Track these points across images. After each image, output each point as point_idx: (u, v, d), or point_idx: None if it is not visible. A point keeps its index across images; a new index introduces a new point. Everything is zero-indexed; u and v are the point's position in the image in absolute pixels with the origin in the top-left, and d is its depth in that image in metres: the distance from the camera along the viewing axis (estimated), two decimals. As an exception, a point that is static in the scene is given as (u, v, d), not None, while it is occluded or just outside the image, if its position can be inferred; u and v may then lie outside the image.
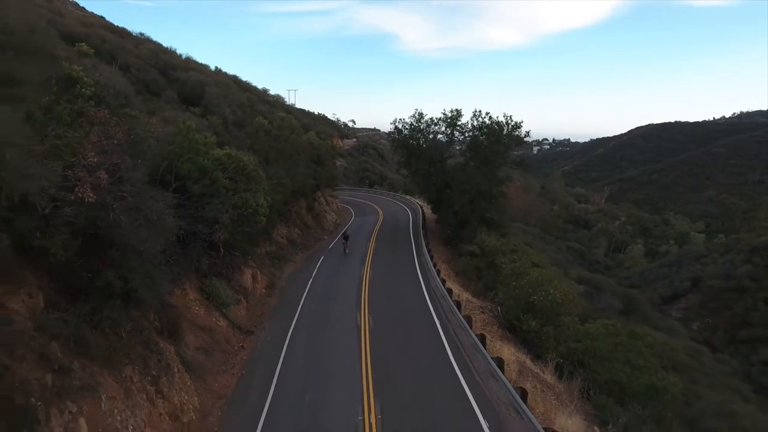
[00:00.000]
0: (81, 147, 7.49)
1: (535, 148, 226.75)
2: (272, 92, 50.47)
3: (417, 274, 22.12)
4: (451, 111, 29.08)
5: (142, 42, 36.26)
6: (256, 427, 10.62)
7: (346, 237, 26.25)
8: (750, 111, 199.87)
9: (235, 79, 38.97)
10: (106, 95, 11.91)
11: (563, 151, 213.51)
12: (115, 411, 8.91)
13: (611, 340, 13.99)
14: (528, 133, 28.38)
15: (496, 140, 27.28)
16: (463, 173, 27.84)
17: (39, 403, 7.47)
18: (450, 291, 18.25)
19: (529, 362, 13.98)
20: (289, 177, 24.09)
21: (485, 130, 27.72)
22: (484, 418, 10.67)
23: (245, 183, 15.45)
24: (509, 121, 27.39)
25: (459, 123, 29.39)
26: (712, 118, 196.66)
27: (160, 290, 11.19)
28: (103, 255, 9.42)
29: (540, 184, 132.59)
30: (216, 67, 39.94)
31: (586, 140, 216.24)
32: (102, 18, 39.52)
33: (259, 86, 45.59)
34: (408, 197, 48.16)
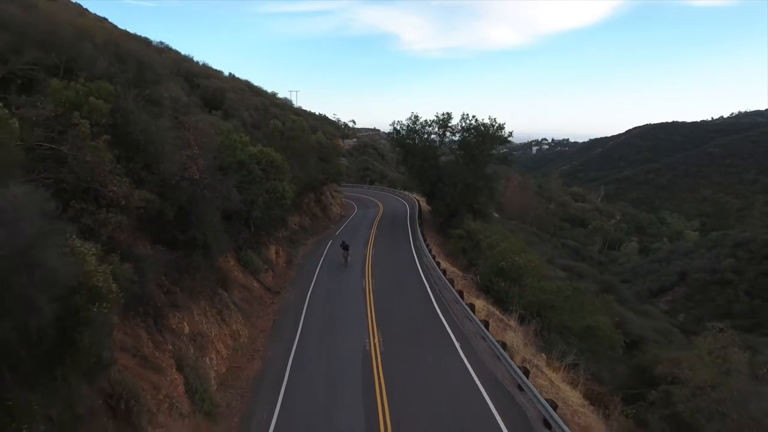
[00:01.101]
0: (188, 143, 11.87)
1: (534, 148, 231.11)
2: (272, 92, 54.80)
3: (412, 253, 26.56)
4: (443, 114, 33.80)
5: (164, 51, 40.59)
6: (291, 348, 14.95)
7: (345, 247, 23.75)
8: (748, 111, 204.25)
9: (248, 84, 43.35)
10: (177, 106, 16.27)
11: (562, 151, 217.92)
12: (202, 323, 13.30)
13: (561, 294, 18.33)
14: (510, 133, 32.86)
15: (482, 140, 31.78)
16: (453, 169, 32.38)
17: (164, 308, 11.86)
18: (438, 263, 22.65)
19: (497, 312, 18.36)
20: (302, 172, 28.44)
21: (473, 131, 32.24)
22: (457, 340, 15.06)
23: (274, 174, 19.82)
24: (494, 123, 31.96)
25: (450, 125, 34.02)
26: (710, 118, 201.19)
27: (222, 248, 15.55)
28: (187, 218, 13.75)
29: (538, 183, 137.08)
30: (230, 73, 44.28)
31: (585, 140, 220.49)
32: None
33: (257, 85, 49.76)
34: (406, 193, 52.59)
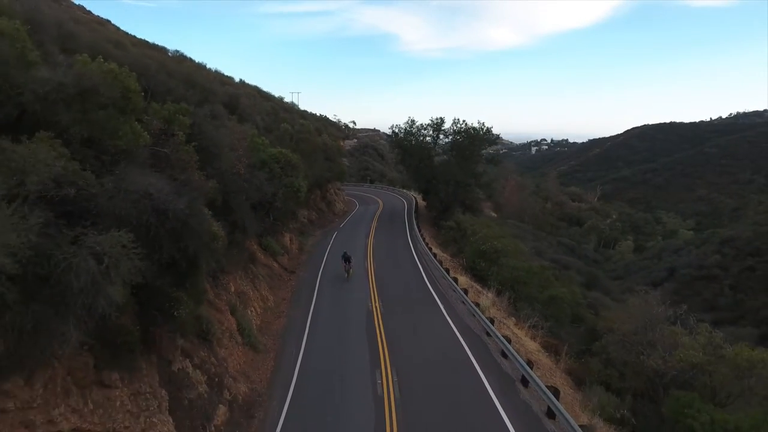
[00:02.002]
0: (235, 146, 15.94)
1: (534, 149, 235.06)
2: (279, 97, 58.86)
3: (408, 241, 30.66)
4: (437, 118, 38.04)
5: (181, 60, 44.66)
6: (309, 310, 19.00)
7: (347, 259, 22.64)
8: (747, 112, 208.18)
9: (257, 90, 47.39)
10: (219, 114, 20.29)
11: (561, 151, 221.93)
12: (242, 286, 17.38)
13: (530, 271, 22.32)
14: (497, 136, 36.94)
15: (472, 142, 35.88)
16: (446, 168, 36.52)
17: (217, 270, 15.91)
18: (430, 249, 26.74)
19: (477, 285, 22.44)
20: (310, 170, 32.47)
21: (463, 133, 36.34)
22: (441, 303, 19.17)
23: (290, 171, 23.88)
24: (482, 127, 36.06)
25: (443, 128, 38.19)
26: (709, 119, 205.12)
27: (252, 231, 19.57)
28: (229, 205, 17.76)
29: (535, 183, 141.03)
30: (240, 79, 48.32)
31: (585, 141, 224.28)
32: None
33: (266, 91, 53.78)
34: (405, 191, 56.68)
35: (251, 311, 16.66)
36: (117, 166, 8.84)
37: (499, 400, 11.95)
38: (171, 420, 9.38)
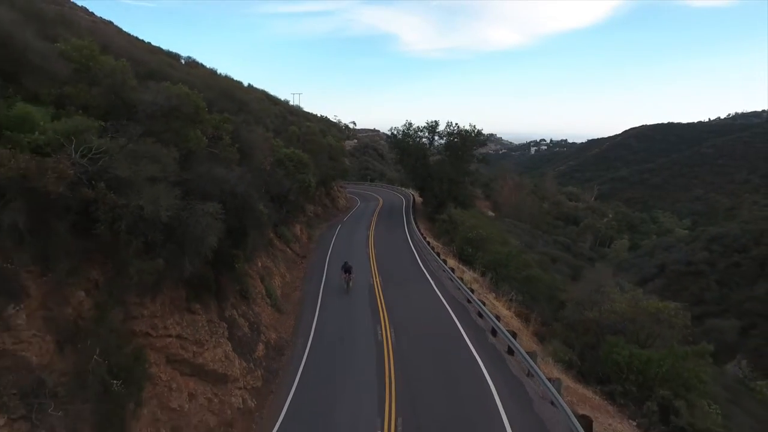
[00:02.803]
0: (263, 147, 19.83)
1: (533, 149, 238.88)
2: (285, 100, 62.82)
3: (405, 232, 34.56)
4: (431, 121, 42.12)
5: (194, 66, 48.55)
6: (320, 285, 22.87)
7: (347, 269, 21.76)
8: (745, 112, 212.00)
9: (265, 94, 51.35)
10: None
11: (560, 151, 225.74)
12: (266, 262, 21.26)
13: (510, 255, 26.21)
14: (487, 138, 40.81)
15: (464, 143, 39.80)
16: (440, 167, 40.45)
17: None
18: (425, 238, 30.61)
19: (463, 267, 26.31)
20: (317, 169, 36.34)
21: (456, 135, 40.27)
22: (432, 280, 23.08)
23: (302, 169, 27.77)
24: (473, 129, 40.00)
25: (437, 130, 42.13)
26: (707, 119, 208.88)
27: (273, 219, 23.43)
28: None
29: (533, 183, 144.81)
30: (249, 84, 52.26)
31: (584, 141, 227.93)
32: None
33: (273, 95, 57.75)
34: (403, 189, 60.57)
35: (274, 282, 20.53)
36: (188, 162, 12.71)
37: (472, 344, 15.80)
38: (230, 345, 13.22)
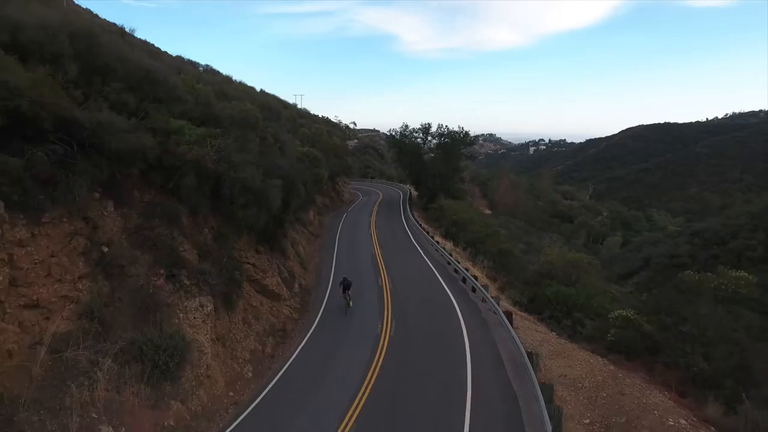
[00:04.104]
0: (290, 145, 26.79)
1: (532, 149, 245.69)
2: (293, 103, 69.81)
3: (402, 218, 41.53)
4: (425, 124, 49.48)
5: (211, 73, 55.44)
6: (333, 255, 29.79)
7: (347, 286, 19.89)
8: (742, 112, 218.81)
9: (277, 99, 58.28)
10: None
11: (559, 151, 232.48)
12: (293, 234, 28.25)
13: (486, 233, 33.21)
14: (474, 138, 47.82)
15: (453, 143, 46.85)
16: (433, 164, 47.48)
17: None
18: (418, 222, 37.54)
19: (448, 243, 33.24)
20: (327, 165, 43.23)
21: (446, 136, 47.34)
22: (422, 251, 30.04)
23: (316, 164, 34.70)
24: (461, 131, 47.18)
25: (430, 131, 49.30)
26: (706, 119, 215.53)
27: (297, 205, 30.33)
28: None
29: (529, 182, 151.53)
30: (261, 89, 59.17)
31: (582, 141, 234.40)
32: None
33: (284, 99, 64.64)
34: (401, 184, 67.49)
35: (300, 249, 27.45)
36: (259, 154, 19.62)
37: (447, 287, 22.75)
38: (280, 278, 20.12)
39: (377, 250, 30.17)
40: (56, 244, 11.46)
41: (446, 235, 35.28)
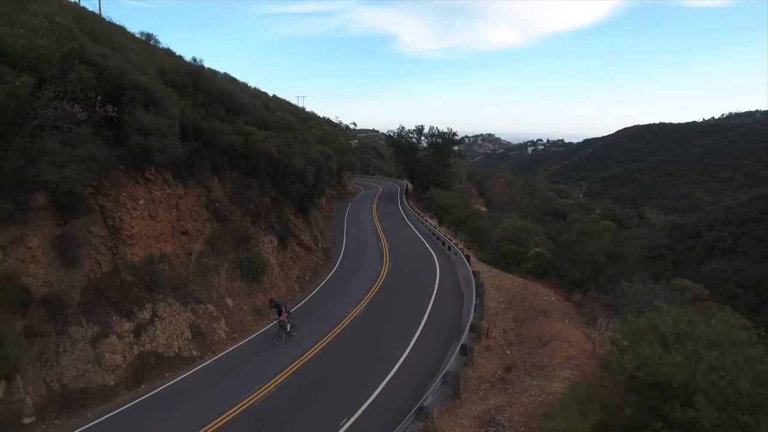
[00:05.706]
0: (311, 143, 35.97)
1: (530, 149, 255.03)
2: (302, 107, 79.04)
3: (399, 206, 50.86)
4: (418, 126, 58.92)
5: (232, 81, 64.49)
6: (343, 231, 38.98)
7: (280, 311, 17.29)
8: (739, 112, 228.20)
9: (288, 103, 67.45)
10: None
11: (556, 151, 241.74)
12: (315, 213, 37.50)
13: (466, 215, 42.33)
14: (462, 139, 57.17)
15: (443, 142, 56.18)
16: (426, 161, 56.85)
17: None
18: (412, 208, 46.77)
19: (436, 223, 42.41)
20: (334, 161, 52.36)
21: (437, 137, 56.71)
22: (413, 227, 39.28)
23: (328, 159, 43.85)
24: (450, 132, 56.55)
25: (423, 132, 58.68)
26: (702, 119, 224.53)
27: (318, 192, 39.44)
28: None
29: (524, 181, 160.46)
30: (273, 94, 68.33)
31: (580, 140, 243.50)
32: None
33: (293, 102, 73.88)
34: (399, 180, 76.77)
35: (319, 224, 36.60)
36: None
37: (429, 247, 32.02)
38: (310, 237, 29.18)
39: (378, 226, 39.31)
40: (193, 199, 20.55)
41: (434, 217, 44.44)
